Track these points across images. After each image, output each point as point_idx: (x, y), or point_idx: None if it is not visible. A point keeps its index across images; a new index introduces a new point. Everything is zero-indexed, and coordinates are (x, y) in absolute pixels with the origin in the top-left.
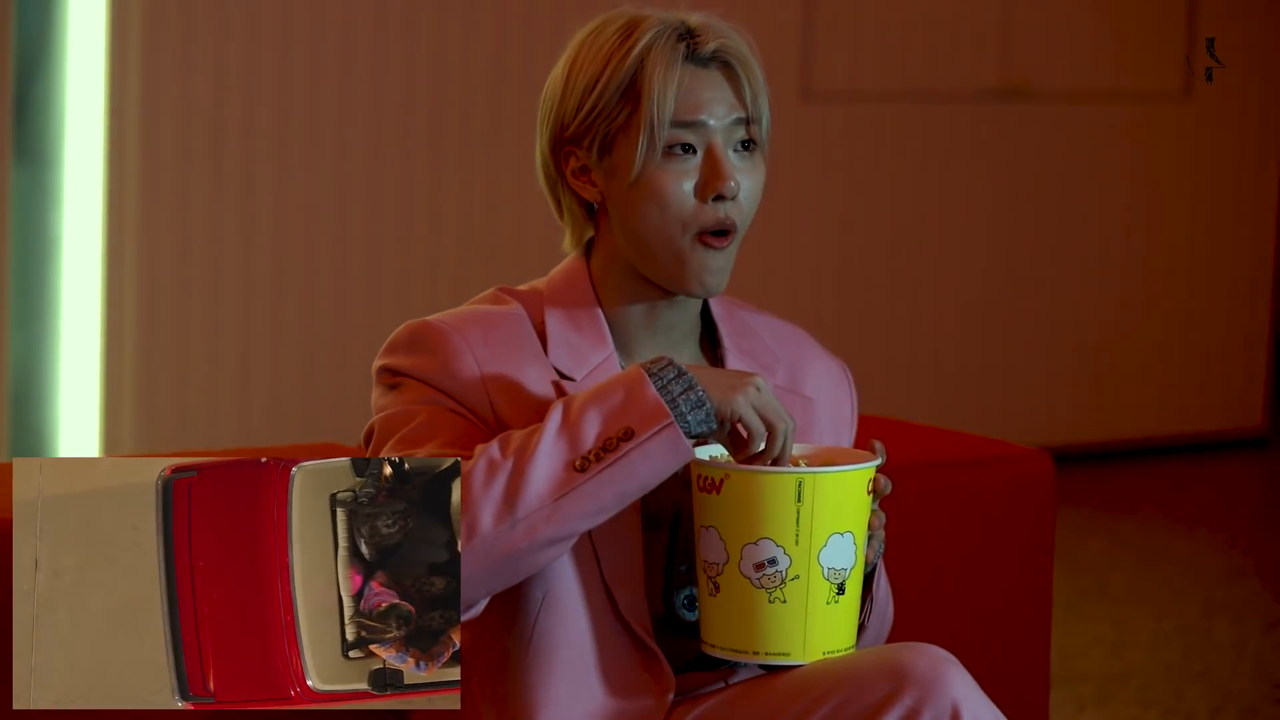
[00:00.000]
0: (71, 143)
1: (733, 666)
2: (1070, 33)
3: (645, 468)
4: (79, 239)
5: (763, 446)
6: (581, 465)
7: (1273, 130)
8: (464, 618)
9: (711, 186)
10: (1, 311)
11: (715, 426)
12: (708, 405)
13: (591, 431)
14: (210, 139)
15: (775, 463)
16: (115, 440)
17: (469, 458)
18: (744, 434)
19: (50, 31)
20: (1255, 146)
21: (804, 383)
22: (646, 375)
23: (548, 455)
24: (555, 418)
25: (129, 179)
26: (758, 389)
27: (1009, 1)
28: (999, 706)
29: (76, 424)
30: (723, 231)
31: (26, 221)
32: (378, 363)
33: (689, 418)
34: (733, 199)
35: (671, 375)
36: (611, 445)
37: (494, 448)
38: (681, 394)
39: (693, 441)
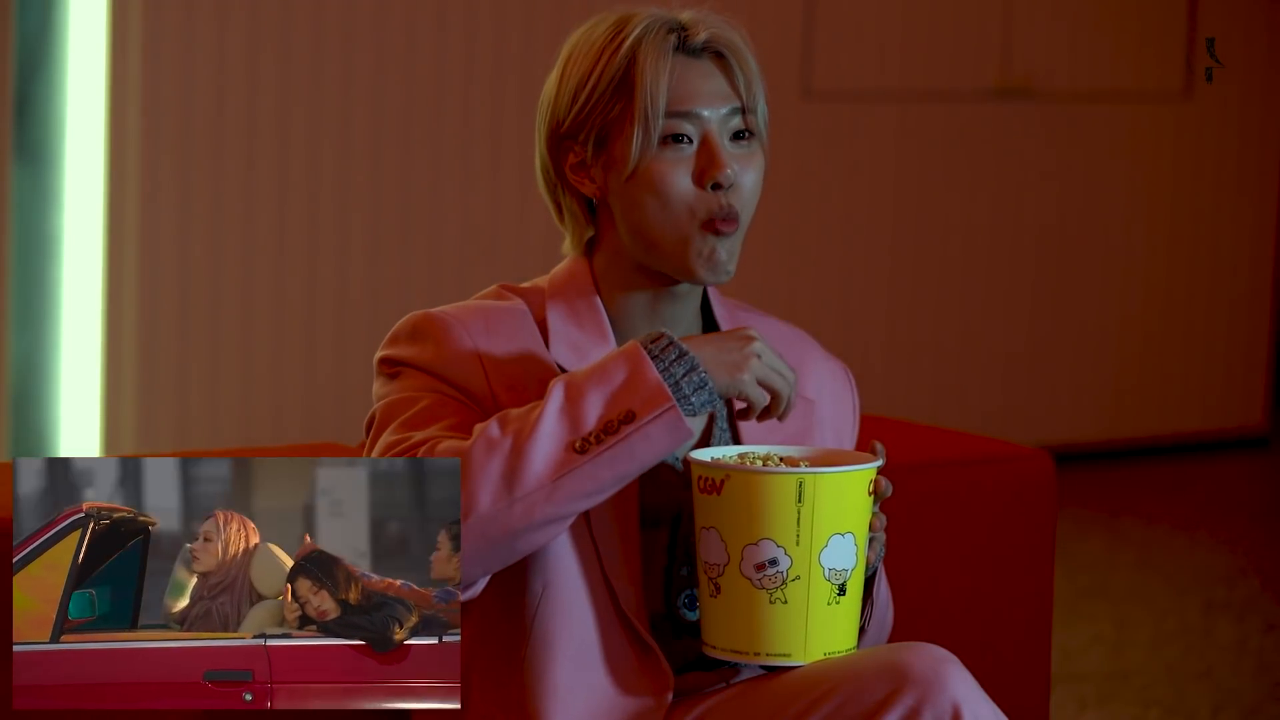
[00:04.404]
0: (71, 143)
1: (734, 667)
2: (1070, 33)
3: (645, 450)
4: (79, 239)
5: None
6: (581, 447)
7: (1273, 130)
8: (463, 597)
9: (708, 175)
10: (1, 311)
11: (718, 405)
12: (710, 385)
13: (592, 413)
14: (211, 139)
15: (780, 417)
16: (116, 440)
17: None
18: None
19: (50, 31)
20: (1255, 146)
21: (805, 384)
22: (648, 355)
23: (548, 435)
24: (556, 397)
25: (129, 179)
26: (758, 356)
27: (1010, 1)
28: (999, 706)
29: (76, 424)
30: (727, 218)
31: (26, 221)
32: (379, 354)
33: (692, 400)
34: (730, 187)
35: (673, 356)
36: (612, 428)
37: (492, 426)
38: (684, 376)
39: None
